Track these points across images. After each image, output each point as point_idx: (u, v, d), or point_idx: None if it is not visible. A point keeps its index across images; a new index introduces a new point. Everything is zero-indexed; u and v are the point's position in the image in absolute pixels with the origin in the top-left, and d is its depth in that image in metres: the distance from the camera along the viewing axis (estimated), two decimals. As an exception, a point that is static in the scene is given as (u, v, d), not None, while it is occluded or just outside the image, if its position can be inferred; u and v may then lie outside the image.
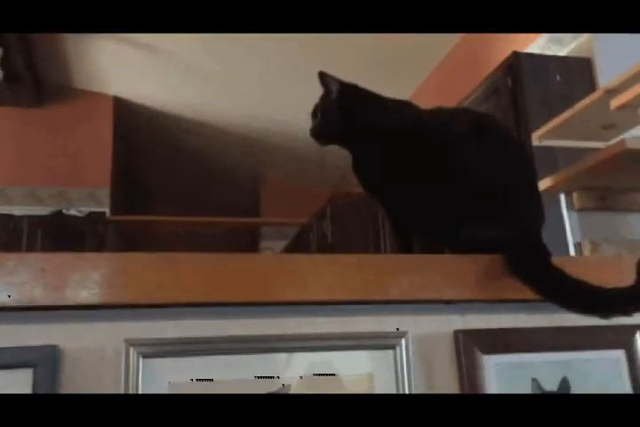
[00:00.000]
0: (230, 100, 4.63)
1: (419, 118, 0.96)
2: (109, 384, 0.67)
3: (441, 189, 0.89)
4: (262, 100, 4.58)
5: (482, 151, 0.89)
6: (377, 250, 3.43)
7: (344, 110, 0.98)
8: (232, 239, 5.31)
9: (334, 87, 0.99)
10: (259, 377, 0.71)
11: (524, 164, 0.93)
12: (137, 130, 4.93)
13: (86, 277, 0.68)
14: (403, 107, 0.99)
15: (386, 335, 0.78)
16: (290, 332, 0.75)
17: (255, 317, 0.75)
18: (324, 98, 1.01)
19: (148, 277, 0.70)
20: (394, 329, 0.78)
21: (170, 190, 5.51)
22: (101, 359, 0.68)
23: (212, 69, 4.15)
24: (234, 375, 0.71)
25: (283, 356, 0.74)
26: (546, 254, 0.82)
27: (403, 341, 0.77)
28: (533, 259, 0.81)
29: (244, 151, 5.44)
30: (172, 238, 4.81)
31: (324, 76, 1.01)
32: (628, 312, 0.76)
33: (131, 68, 4.17)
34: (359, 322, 0.78)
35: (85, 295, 0.68)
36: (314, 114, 1.03)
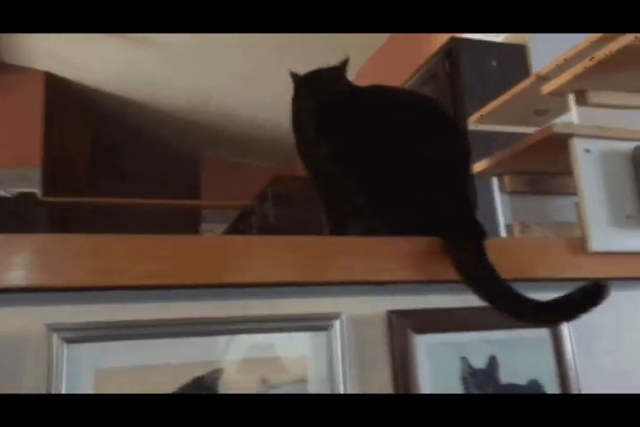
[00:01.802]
0: (171, 77, 4.50)
1: (355, 100, 0.96)
2: (31, 371, 0.65)
3: (377, 169, 0.89)
4: (205, 77, 4.48)
5: (418, 132, 0.90)
6: (319, 233, 3.44)
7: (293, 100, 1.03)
8: (171, 221, 5.21)
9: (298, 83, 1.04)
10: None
11: (461, 145, 0.94)
12: (71, 107, 4.74)
13: (11, 260, 0.65)
14: (340, 85, 1.00)
15: (320, 317, 0.78)
16: (226, 314, 0.74)
17: (191, 300, 0.74)
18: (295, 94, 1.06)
19: (77, 260, 0.68)
20: (329, 311, 0.78)
21: (111, 169, 5.34)
22: (23, 345, 0.66)
23: (153, 44, 4.02)
24: (166, 360, 0.69)
25: (219, 339, 0.73)
26: (481, 236, 0.83)
27: (337, 322, 0.78)
28: (466, 246, 0.82)
29: (186, 129, 5.33)
30: (108, 220, 4.69)
31: (293, 76, 1.06)
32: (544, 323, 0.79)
33: (63, 42, 3.99)
34: (295, 304, 0.78)
35: (10, 278, 0.65)
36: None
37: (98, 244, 0.70)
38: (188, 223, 5.61)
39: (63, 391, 0.64)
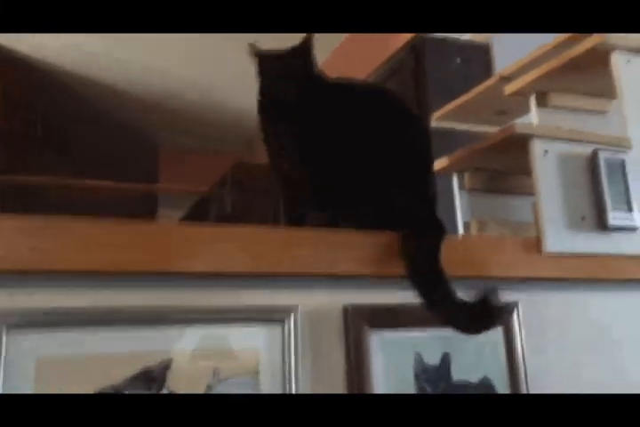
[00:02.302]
0: (130, 58, 4.38)
1: (322, 90, 0.94)
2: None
3: (336, 162, 0.88)
4: (165, 60, 4.37)
5: (381, 126, 0.90)
6: (276, 223, 3.42)
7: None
8: (127, 205, 5.10)
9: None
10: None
11: (423, 141, 0.94)
12: (22, 83, 4.54)
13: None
14: (308, 77, 0.97)
15: (275, 309, 0.77)
16: (180, 304, 0.73)
17: (142, 288, 0.72)
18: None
19: (20, 241, 0.65)
20: (284, 303, 0.77)
21: (66, 148, 5.16)
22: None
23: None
24: (115, 349, 0.67)
25: (170, 329, 0.71)
26: (440, 232, 0.83)
27: (292, 315, 0.77)
28: (422, 243, 0.82)
29: (144, 112, 5.20)
30: (60, 202, 4.54)
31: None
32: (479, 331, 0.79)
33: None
34: (250, 295, 0.77)
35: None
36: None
37: (48, 225, 0.67)
38: (144, 209, 5.50)
39: (0, 381, 0.61)
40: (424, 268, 0.79)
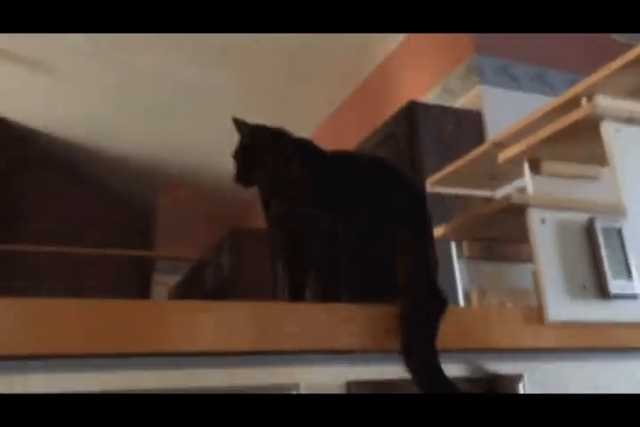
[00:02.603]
0: (123, 122, 4.44)
1: (322, 162, 0.96)
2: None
3: (342, 234, 0.88)
4: (160, 124, 4.44)
5: (384, 197, 0.90)
6: (274, 288, 3.40)
7: (253, 153, 1.00)
8: (122, 272, 5.06)
9: (245, 131, 1.02)
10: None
11: (424, 210, 0.94)
12: (9, 150, 4.55)
13: None
14: (305, 151, 0.99)
15: (276, 387, 0.75)
16: (175, 385, 0.71)
17: (138, 368, 0.70)
18: (240, 142, 1.03)
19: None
20: (285, 381, 0.75)
21: (55, 217, 5.14)
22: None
23: (103, 88, 3.96)
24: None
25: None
26: (442, 306, 0.82)
27: (294, 393, 0.75)
28: (421, 321, 0.80)
29: (138, 175, 5.23)
30: (53, 271, 4.49)
31: (237, 122, 1.03)
32: None
33: (7, 82, 3.88)
34: (249, 374, 0.75)
35: None
36: (233, 159, 1.03)
37: (34, 308, 0.66)
38: (138, 274, 5.45)
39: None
40: (419, 350, 0.77)
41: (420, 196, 0.96)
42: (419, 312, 0.80)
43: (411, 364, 0.75)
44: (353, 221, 0.88)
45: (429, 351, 0.76)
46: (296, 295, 0.92)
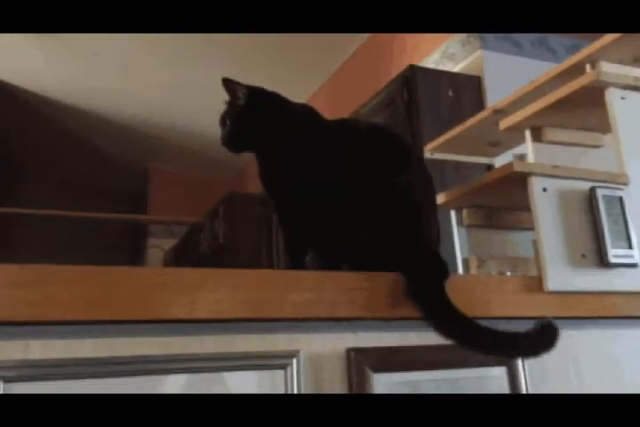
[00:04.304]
0: (120, 87, 4.38)
1: (323, 132, 0.94)
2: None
3: (343, 205, 0.88)
4: (154, 89, 4.37)
5: (383, 167, 0.89)
6: (269, 253, 3.41)
7: (251, 117, 0.94)
8: (116, 236, 5.06)
9: (241, 93, 0.94)
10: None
11: (429, 182, 0.94)
12: (5, 112, 4.49)
13: None
14: (308, 118, 0.97)
15: (277, 355, 0.75)
16: (176, 351, 0.71)
17: (139, 335, 0.70)
18: (231, 104, 0.96)
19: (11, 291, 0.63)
20: (285, 348, 0.76)
21: (50, 178, 5.10)
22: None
23: (101, 54, 3.90)
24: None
25: (167, 378, 0.69)
26: (443, 275, 0.82)
27: (294, 360, 0.75)
28: (427, 285, 0.81)
29: (132, 140, 5.18)
30: (49, 234, 4.48)
31: (229, 83, 0.95)
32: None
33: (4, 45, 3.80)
34: (249, 341, 0.75)
35: None
36: (222, 122, 0.96)
37: (39, 274, 0.65)
38: (133, 238, 5.45)
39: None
40: (438, 308, 0.78)
41: (422, 166, 0.95)
42: (426, 278, 0.80)
43: (446, 329, 0.76)
44: (354, 190, 0.87)
45: (453, 310, 0.78)
46: (296, 263, 0.92)
